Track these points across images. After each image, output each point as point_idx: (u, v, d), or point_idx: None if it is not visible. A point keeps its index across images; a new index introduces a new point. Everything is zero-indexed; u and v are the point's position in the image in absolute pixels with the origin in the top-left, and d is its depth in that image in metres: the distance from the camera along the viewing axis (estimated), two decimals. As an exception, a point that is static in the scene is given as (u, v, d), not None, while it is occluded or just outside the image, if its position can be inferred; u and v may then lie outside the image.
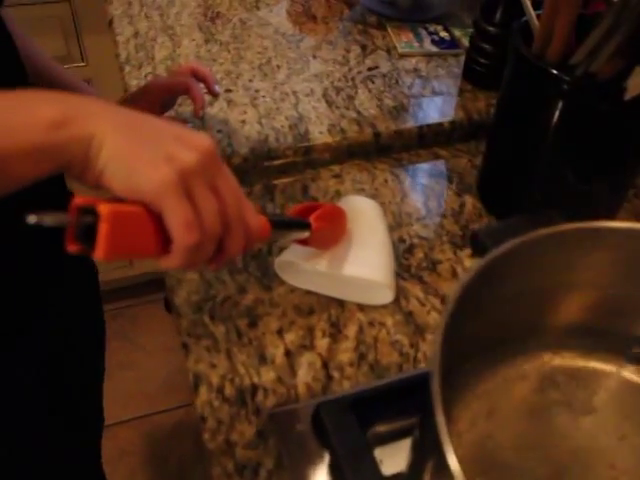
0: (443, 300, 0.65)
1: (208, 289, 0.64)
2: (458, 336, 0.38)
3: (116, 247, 0.38)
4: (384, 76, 0.93)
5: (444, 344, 0.35)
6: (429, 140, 0.85)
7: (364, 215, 0.66)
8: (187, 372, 0.59)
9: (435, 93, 0.90)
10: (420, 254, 0.70)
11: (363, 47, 0.99)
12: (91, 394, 0.83)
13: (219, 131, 0.80)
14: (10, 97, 0.39)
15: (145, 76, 0.90)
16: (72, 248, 0.39)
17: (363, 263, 0.62)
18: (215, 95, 0.78)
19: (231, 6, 1.08)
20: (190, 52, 0.95)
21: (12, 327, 0.62)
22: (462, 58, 0.96)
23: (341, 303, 0.64)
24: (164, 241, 0.41)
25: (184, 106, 0.84)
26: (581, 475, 0.45)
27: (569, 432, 0.47)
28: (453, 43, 1.00)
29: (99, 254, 0.38)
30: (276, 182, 0.78)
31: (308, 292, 0.64)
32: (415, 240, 0.71)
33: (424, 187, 0.79)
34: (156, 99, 0.76)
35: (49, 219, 0.36)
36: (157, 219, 0.40)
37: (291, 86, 0.89)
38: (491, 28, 0.87)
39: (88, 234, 0.38)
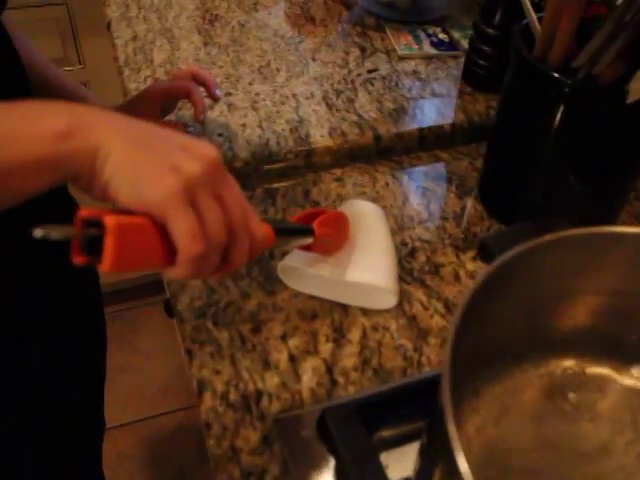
0: (446, 304, 0.65)
1: (211, 294, 0.64)
2: (466, 341, 0.38)
3: (122, 259, 0.38)
4: (384, 78, 0.93)
5: (453, 351, 0.35)
6: (430, 143, 0.85)
7: (366, 219, 0.66)
8: (186, 375, 0.59)
9: (435, 95, 0.90)
10: (422, 257, 0.70)
11: (362, 49, 0.99)
12: (92, 399, 0.83)
13: (220, 135, 0.80)
14: (15, 108, 0.39)
15: (144, 79, 0.89)
16: (78, 260, 0.38)
17: (366, 268, 0.62)
18: (216, 99, 0.78)
19: (229, 8, 1.08)
20: (189, 55, 0.95)
21: (12, 333, 0.62)
22: (461, 60, 0.96)
23: (344, 307, 0.64)
24: (169, 252, 0.41)
25: (184, 110, 0.84)
26: (588, 480, 0.45)
27: (576, 437, 0.47)
28: (452, 45, 1.00)
29: (105, 266, 0.37)
30: (277, 186, 0.77)
31: (311, 297, 0.64)
32: (417, 243, 0.71)
33: (425, 190, 0.79)
34: (156, 103, 0.75)
35: (55, 233, 0.36)
36: (162, 230, 0.40)
37: (291, 89, 0.89)
38: (490, 30, 0.87)
39: (94, 246, 0.38)
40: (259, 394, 0.56)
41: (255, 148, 0.78)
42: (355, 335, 0.61)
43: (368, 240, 0.64)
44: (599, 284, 0.45)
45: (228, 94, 0.87)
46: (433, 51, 0.99)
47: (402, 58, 0.97)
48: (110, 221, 0.37)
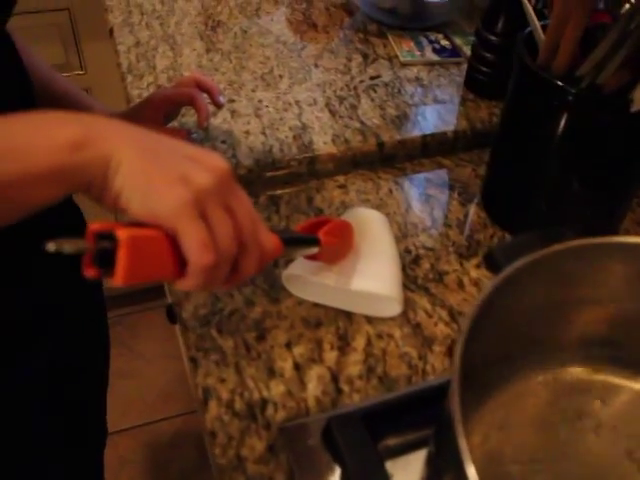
0: (450, 311, 0.65)
1: (215, 302, 0.64)
2: (474, 351, 0.38)
3: (135, 271, 0.38)
4: (386, 85, 0.93)
5: (462, 363, 0.36)
6: (432, 149, 0.85)
7: (371, 227, 0.67)
8: (187, 380, 0.59)
9: (437, 102, 0.91)
10: (426, 265, 0.70)
11: (365, 56, 0.99)
12: (95, 404, 0.83)
13: (223, 142, 0.80)
14: (27, 120, 0.39)
15: (147, 86, 0.90)
16: (90, 273, 0.38)
17: (371, 277, 0.62)
18: (219, 106, 0.78)
19: (231, 15, 1.08)
20: (192, 61, 0.95)
21: (14, 342, 0.62)
22: (463, 67, 0.96)
23: (349, 315, 0.64)
24: (180, 263, 0.41)
25: (187, 117, 0.84)
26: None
27: (581, 445, 0.47)
28: (454, 51, 1.00)
29: (118, 279, 0.37)
30: (281, 193, 0.78)
31: (315, 304, 0.64)
32: (421, 251, 0.71)
33: (428, 197, 0.79)
34: (160, 110, 0.76)
35: (68, 246, 0.36)
36: (173, 241, 0.40)
37: (294, 96, 0.89)
38: (493, 37, 0.87)
39: (105, 259, 0.38)
40: (264, 402, 0.56)
41: (258, 155, 0.78)
42: (360, 343, 0.61)
43: (372, 248, 0.64)
44: (605, 293, 0.45)
45: (231, 101, 0.87)
46: (435, 57, 0.99)
47: (404, 64, 0.97)
48: (122, 234, 0.37)
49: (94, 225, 0.38)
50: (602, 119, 0.62)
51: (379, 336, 0.62)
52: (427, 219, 0.76)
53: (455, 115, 0.89)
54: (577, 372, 0.49)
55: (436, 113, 0.88)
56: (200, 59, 0.96)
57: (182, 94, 0.75)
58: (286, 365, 0.59)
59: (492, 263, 0.45)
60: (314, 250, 0.57)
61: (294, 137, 0.81)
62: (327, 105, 0.88)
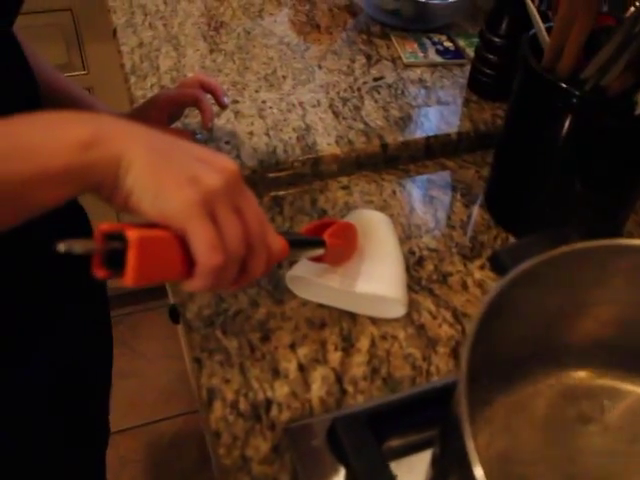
0: (454, 313, 0.65)
1: (220, 303, 0.64)
2: (479, 353, 0.38)
3: (144, 272, 0.38)
4: (390, 86, 0.93)
5: (469, 364, 0.36)
6: (436, 151, 0.85)
7: (375, 229, 0.67)
8: (188, 380, 0.59)
9: (441, 103, 0.91)
10: (430, 266, 0.70)
11: (368, 57, 0.99)
12: (98, 404, 0.83)
13: (227, 143, 0.80)
14: (37, 120, 0.39)
15: (150, 87, 0.90)
16: (100, 274, 0.39)
17: (376, 279, 0.62)
18: (223, 107, 0.78)
19: (234, 15, 1.08)
20: (195, 62, 0.95)
21: (21, 343, 0.62)
22: (467, 68, 0.97)
23: (353, 316, 0.64)
24: (189, 264, 0.41)
25: (190, 117, 0.84)
26: (599, 491, 0.45)
27: (586, 448, 0.47)
28: (458, 53, 1.01)
29: (128, 280, 0.38)
30: (284, 194, 0.78)
31: (320, 305, 0.64)
32: (425, 252, 0.71)
33: (432, 198, 0.79)
34: (164, 110, 0.76)
35: (78, 247, 0.36)
36: (182, 242, 0.40)
37: (297, 97, 0.89)
38: (497, 39, 0.87)
39: (115, 260, 0.38)
40: (269, 403, 0.56)
41: (262, 156, 0.79)
42: (364, 344, 0.62)
43: (377, 250, 0.64)
44: (611, 296, 0.45)
45: (235, 102, 0.87)
46: (438, 59, 0.99)
47: (408, 66, 0.98)
48: (132, 235, 0.37)
49: (104, 225, 0.38)
50: (606, 121, 0.62)
51: (383, 337, 0.62)
52: (431, 220, 0.76)
53: (458, 117, 0.89)
54: (582, 375, 0.50)
55: (439, 115, 0.89)
56: (203, 60, 0.96)
57: (186, 95, 0.75)
58: (290, 366, 0.59)
59: (498, 265, 0.45)
60: (319, 252, 0.57)
61: (298, 138, 0.82)
62: (331, 106, 0.88)
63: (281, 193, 0.78)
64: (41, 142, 0.38)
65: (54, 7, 1.27)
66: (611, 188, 0.68)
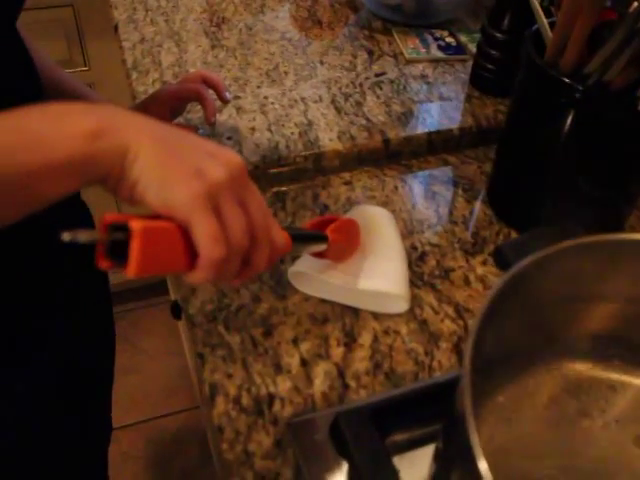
0: (457, 308, 0.65)
1: (222, 298, 0.64)
2: (482, 347, 0.39)
3: (147, 263, 0.38)
4: (392, 82, 0.93)
5: (473, 360, 0.36)
6: (438, 146, 0.85)
7: (377, 224, 0.67)
8: (190, 376, 0.59)
9: (443, 99, 0.91)
10: (432, 262, 0.70)
11: (370, 53, 0.99)
12: (101, 400, 0.83)
13: (229, 138, 0.80)
14: (43, 110, 0.39)
15: (152, 82, 0.90)
16: (103, 265, 0.39)
17: (378, 275, 0.62)
18: (226, 102, 0.78)
19: (236, 11, 1.08)
20: (197, 58, 0.95)
21: (27, 342, 0.62)
22: (469, 64, 0.97)
23: (355, 311, 0.64)
24: (192, 256, 0.41)
25: (192, 113, 0.84)
26: (602, 485, 0.46)
27: (590, 441, 0.47)
28: (459, 48, 1.00)
29: (131, 270, 0.38)
30: (286, 189, 0.78)
31: (322, 300, 0.64)
32: (427, 247, 0.71)
33: (434, 194, 0.79)
34: (167, 105, 0.76)
35: (82, 236, 0.36)
36: (186, 234, 0.40)
37: (299, 92, 0.89)
38: (499, 34, 0.87)
39: (118, 251, 0.38)
40: (271, 398, 0.57)
41: (264, 151, 0.78)
42: (366, 339, 0.62)
43: (379, 246, 0.64)
44: (614, 289, 0.45)
45: (237, 97, 0.87)
46: (440, 55, 0.99)
47: (409, 61, 0.98)
48: (136, 225, 0.37)
49: (108, 216, 0.38)
50: (609, 116, 0.62)
51: (385, 332, 0.62)
52: (433, 216, 0.76)
53: (460, 112, 0.89)
54: (585, 368, 0.50)
55: (441, 110, 0.89)
56: (205, 55, 0.96)
57: (188, 90, 0.75)
58: (293, 361, 0.59)
59: (501, 260, 0.45)
60: (322, 247, 0.57)
61: (300, 134, 0.82)
62: (333, 102, 0.88)
63: (283, 189, 0.78)
64: (48, 133, 0.38)
65: (55, 3, 1.27)
66: (614, 183, 0.68)
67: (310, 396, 0.57)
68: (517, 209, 0.75)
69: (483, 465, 0.31)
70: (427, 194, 0.79)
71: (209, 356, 0.59)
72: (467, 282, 0.68)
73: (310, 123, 0.83)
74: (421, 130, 0.84)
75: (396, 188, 0.79)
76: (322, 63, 0.96)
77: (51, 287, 0.65)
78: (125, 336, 1.73)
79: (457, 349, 0.62)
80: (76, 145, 0.38)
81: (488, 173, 0.82)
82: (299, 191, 0.78)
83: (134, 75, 0.91)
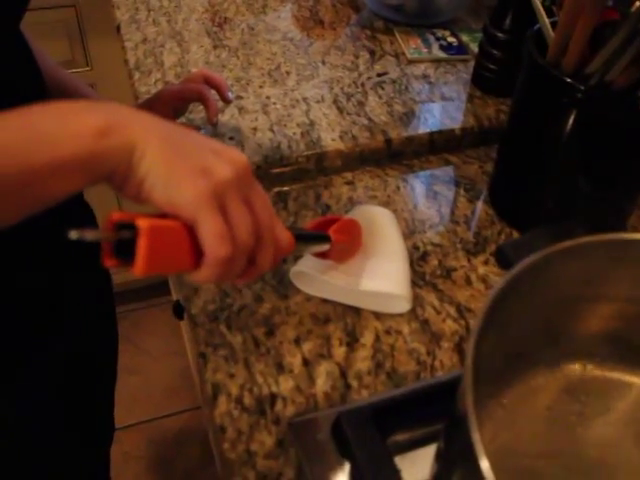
0: (458, 308, 0.65)
1: (224, 298, 0.64)
2: (484, 347, 0.39)
3: (154, 261, 0.39)
4: (393, 82, 0.93)
5: (475, 360, 0.36)
6: (440, 146, 0.85)
7: (378, 225, 0.67)
8: (192, 376, 0.59)
9: (445, 99, 0.91)
10: (434, 261, 0.70)
11: (372, 52, 0.99)
12: (103, 404, 0.83)
13: (231, 138, 0.80)
14: (50, 109, 0.40)
15: (155, 82, 0.90)
16: (109, 263, 0.39)
17: (380, 276, 0.62)
18: (228, 102, 0.78)
19: (238, 11, 1.08)
20: (199, 58, 0.95)
21: (29, 342, 0.63)
22: (470, 64, 0.97)
23: (357, 311, 0.64)
24: (197, 255, 0.41)
25: (194, 113, 0.85)
26: (604, 484, 0.45)
27: (591, 442, 0.47)
28: (461, 48, 1.00)
29: (138, 268, 0.38)
30: (289, 189, 0.78)
31: (324, 300, 0.64)
32: (429, 247, 0.71)
33: (436, 194, 0.79)
34: (169, 105, 0.76)
35: (89, 235, 0.36)
36: (191, 233, 0.40)
37: (301, 92, 0.89)
38: (500, 34, 0.87)
39: (125, 249, 0.38)
40: (273, 398, 0.57)
41: (266, 151, 0.79)
42: (368, 339, 0.62)
43: (381, 246, 0.65)
44: (616, 290, 0.45)
45: (239, 97, 0.87)
46: (442, 55, 0.99)
47: (411, 61, 0.98)
48: (143, 223, 0.38)
49: (115, 215, 0.38)
50: (611, 116, 0.62)
51: (387, 332, 0.62)
52: (435, 216, 0.76)
53: (462, 112, 0.89)
54: (586, 368, 0.50)
55: (443, 110, 0.89)
56: (207, 55, 0.96)
57: (191, 90, 0.76)
58: (295, 361, 0.59)
59: (503, 259, 0.45)
60: (325, 247, 0.57)
61: (302, 134, 0.82)
62: (334, 102, 0.88)
63: (285, 188, 0.78)
64: (54, 131, 0.38)
65: (58, 3, 1.27)
66: (615, 183, 0.68)
67: (312, 396, 0.57)
68: (519, 209, 0.75)
69: (485, 464, 0.31)
70: (429, 194, 0.79)
71: (211, 356, 0.59)
72: (469, 282, 0.68)
73: (312, 123, 0.83)
74: (423, 130, 0.84)
75: (398, 188, 0.79)
76: (324, 63, 0.96)
77: (54, 288, 0.65)
78: (127, 336, 1.73)
79: (459, 349, 0.62)
80: (83, 143, 0.38)
81: (490, 173, 0.82)
82: (301, 191, 0.78)
83: (136, 75, 0.91)
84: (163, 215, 0.40)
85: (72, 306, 0.68)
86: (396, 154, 0.83)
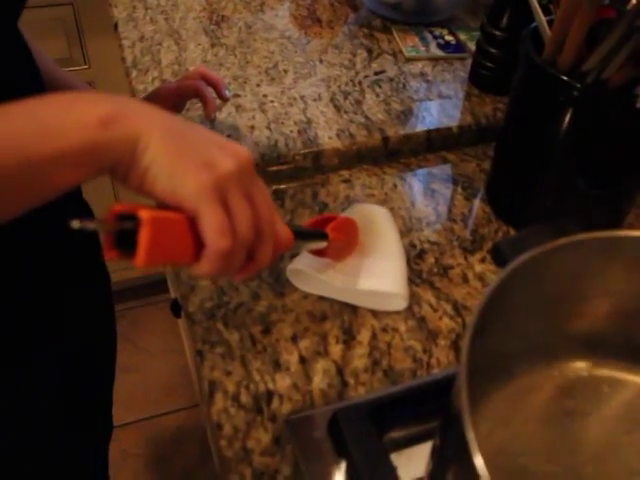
0: (455, 305, 0.65)
1: (221, 296, 0.64)
2: (479, 344, 0.39)
3: (156, 252, 0.39)
4: (391, 80, 0.93)
5: (469, 356, 0.36)
6: (437, 144, 0.85)
7: (375, 223, 0.67)
8: (190, 374, 0.59)
9: (442, 97, 0.91)
10: (431, 259, 0.70)
11: (369, 51, 0.99)
12: (102, 402, 0.83)
13: (228, 136, 0.80)
14: (57, 100, 0.40)
15: (152, 80, 0.90)
16: (111, 255, 0.39)
17: (377, 275, 0.62)
18: (225, 100, 0.78)
19: (235, 9, 1.08)
20: (196, 56, 0.95)
21: (28, 342, 0.63)
22: (468, 62, 0.97)
23: (354, 309, 0.64)
24: (198, 247, 0.41)
25: (192, 111, 0.85)
26: (599, 482, 0.46)
27: (586, 439, 0.47)
28: (459, 47, 1.01)
29: (140, 259, 0.38)
30: (286, 187, 0.78)
31: (321, 298, 0.64)
32: (426, 245, 0.72)
33: (433, 192, 0.79)
34: (166, 103, 0.76)
35: (91, 225, 0.37)
36: (193, 225, 0.41)
37: (299, 91, 0.89)
38: (498, 32, 0.87)
39: (127, 240, 0.38)
40: (270, 395, 0.57)
41: (264, 149, 0.79)
42: (365, 336, 0.62)
43: (377, 245, 0.65)
44: (610, 287, 0.46)
45: (236, 95, 0.87)
46: (440, 53, 0.99)
47: (409, 60, 0.98)
48: (145, 214, 0.38)
49: (117, 206, 0.38)
50: (607, 114, 0.62)
51: (384, 330, 0.62)
52: (432, 214, 0.76)
53: (460, 110, 0.89)
54: (581, 366, 0.50)
55: (441, 108, 0.89)
56: (205, 54, 0.96)
57: (188, 87, 0.76)
58: (292, 358, 0.59)
59: (498, 257, 0.45)
60: (322, 245, 0.57)
61: (299, 132, 0.82)
62: (332, 100, 0.88)
63: (282, 186, 0.78)
64: (59, 121, 0.38)
65: (56, 1, 1.27)
66: (612, 181, 0.68)
67: (309, 393, 0.57)
68: (516, 207, 0.76)
69: (479, 461, 0.31)
70: (426, 192, 0.79)
71: (208, 353, 0.60)
72: (465, 280, 0.68)
73: (309, 121, 0.84)
74: (420, 128, 0.84)
75: (395, 186, 0.79)
76: (321, 61, 0.96)
77: (52, 286, 0.65)
78: (125, 335, 1.73)
79: (455, 346, 0.62)
80: (87, 133, 0.38)
81: (487, 171, 0.82)
82: (298, 189, 0.78)
83: (134, 73, 0.91)
84: (165, 208, 0.40)
85: (72, 306, 0.68)
86: (393, 152, 0.83)
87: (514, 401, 0.49)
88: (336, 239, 0.58)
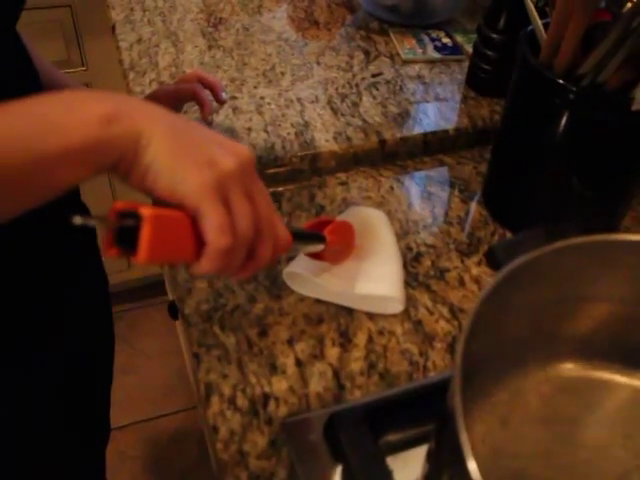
0: (451, 308, 0.65)
1: (218, 298, 0.64)
2: (474, 347, 0.39)
3: (157, 250, 0.39)
4: (388, 82, 0.93)
5: (464, 359, 0.36)
6: (434, 147, 0.85)
7: (372, 226, 0.67)
8: (187, 376, 0.59)
9: (439, 100, 0.91)
10: (427, 262, 0.70)
11: (366, 53, 0.99)
12: (99, 404, 0.83)
13: (225, 139, 0.80)
14: (60, 98, 0.40)
15: (149, 83, 0.90)
16: (111, 252, 0.39)
17: (373, 279, 0.62)
18: (222, 102, 0.78)
19: (233, 11, 1.08)
20: (194, 58, 0.95)
21: (28, 343, 0.63)
22: (465, 64, 0.97)
23: (350, 312, 0.64)
24: (199, 245, 0.42)
25: (189, 114, 0.85)
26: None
27: (583, 442, 0.47)
28: (456, 49, 1.01)
29: (141, 257, 0.38)
30: (283, 189, 0.78)
31: (317, 301, 0.64)
32: (422, 248, 0.72)
33: (430, 194, 0.79)
34: (164, 106, 0.76)
35: (93, 221, 0.37)
36: (193, 223, 0.41)
37: (296, 93, 0.89)
38: (495, 35, 0.87)
39: (127, 238, 0.38)
40: (266, 398, 0.57)
41: (261, 152, 0.79)
42: (361, 340, 0.62)
43: (374, 248, 0.65)
44: (606, 290, 0.46)
45: (233, 98, 0.87)
46: (437, 55, 0.99)
47: (406, 62, 0.98)
48: (146, 212, 0.38)
49: (118, 204, 0.39)
50: (603, 117, 0.62)
51: (380, 333, 0.63)
52: (428, 216, 0.76)
53: (456, 113, 0.89)
54: (577, 369, 0.50)
55: (437, 111, 0.89)
56: (202, 56, 0.96)
57: (185, 89, 0.76)
58: (288, 361, 0.59)
59: (493, 260, 0.45)
60: (319, 248, 0.57)
61: (296, 134, 0.82)
62: (329, 102, 0.88)
63: (279, 189, 0.78)
64: (61, 119, 0.38)
65: (53, 3, 1.27)
66: (608, 184, 0.68)
67: (305, 396, 0.57)
68: (512, 210, 0.76)
69: (472, 465, 0.31)
70: (423, 195, 0.79)
71: (204, 356, 0.60)
72: (462, 283, 0.68)
73: (306, 124, 0.84)
74: (417, 131, 0.84)
75: (392, 189, 0.79)
76: (319, 64, 0.96)
77: (51, 287, 0.65)
78: (123, 336, 1.73)
79: (451, 349, 0.62)
80: (89, 131, 0.38)
81: (484, 174, 0.82)
82: (295, 191, 0.78)
83: (131, 75, 0.91)
84: (166, 206, 0.41)
85: (71, 306, 0.68)
86: (390, 155, 0.84)
87: (511, 403, 0.49)
88: (333, 242, 0.58)
